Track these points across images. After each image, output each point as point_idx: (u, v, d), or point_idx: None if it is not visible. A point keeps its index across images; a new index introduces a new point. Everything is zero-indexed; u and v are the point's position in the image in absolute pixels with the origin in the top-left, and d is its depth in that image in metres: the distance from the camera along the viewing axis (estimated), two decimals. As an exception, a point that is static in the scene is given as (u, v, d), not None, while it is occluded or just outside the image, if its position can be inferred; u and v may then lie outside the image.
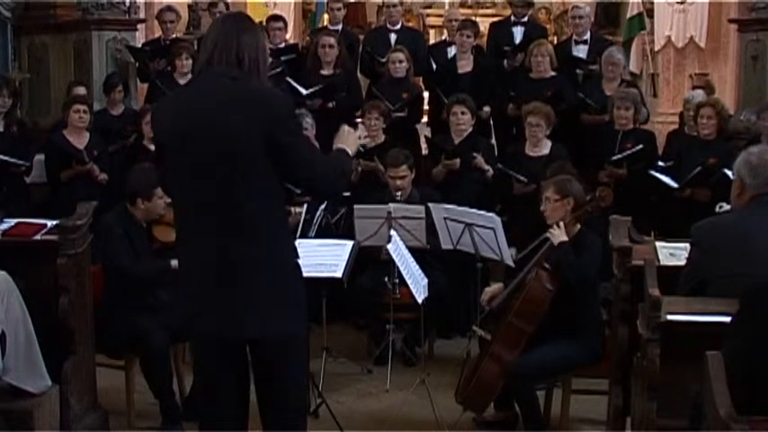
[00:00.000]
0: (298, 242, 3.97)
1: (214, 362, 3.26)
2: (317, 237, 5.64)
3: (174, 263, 4.84)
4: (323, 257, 5.02)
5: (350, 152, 3.46)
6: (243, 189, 3.12)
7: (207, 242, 3.16)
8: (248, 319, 3.17)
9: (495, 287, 5.09)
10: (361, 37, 8.81)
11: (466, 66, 7.73)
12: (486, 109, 7.57)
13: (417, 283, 5.29)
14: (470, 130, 6.81)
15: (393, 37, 8.19)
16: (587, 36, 8.07)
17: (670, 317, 3.68)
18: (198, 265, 3.20)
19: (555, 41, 10.24)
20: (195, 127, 3.13)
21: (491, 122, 7.95)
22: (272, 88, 3.22)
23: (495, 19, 9.85)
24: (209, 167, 3.12)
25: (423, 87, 8.22)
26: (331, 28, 8.38)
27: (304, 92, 7.21)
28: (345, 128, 3.57)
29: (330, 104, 7.42)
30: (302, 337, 3.36)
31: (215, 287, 3.15)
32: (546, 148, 6.59)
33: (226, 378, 3.27)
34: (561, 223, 4.78)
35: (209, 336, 3.22)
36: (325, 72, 7.55)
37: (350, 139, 3.51)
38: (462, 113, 6.73)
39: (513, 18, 8.35)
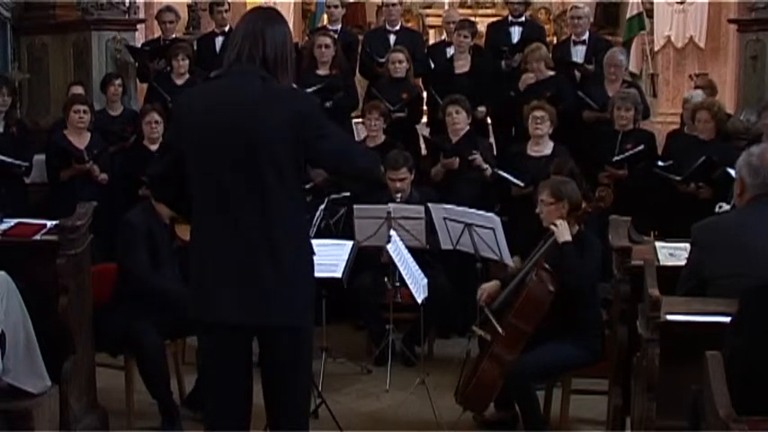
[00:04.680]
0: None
1: (223, 350, 3.28)
2: (316, 237, 5.63)
3: None
4: (322, 257, 5.00)
5: None
6: (267, 185, 3.17)
7: (227, 234, 3.20)
8: (268, 306, 3.20)
9: (491, 284, 5.08)
10: (361, 37, 8.81)
11: (463, 66, 7.73)
12: (482, 109, 7.56)
13: (417, 284, 5.29)
14: (467, 128, 6.82)
15: (392, 38, 8.19)
16: (586, 36, 8.07)
17: (670, 317, 3.67)
18: (216, 255, 3.23)
19: (554, 42, 10.24)
20: (225, 123, 3.19)
21: (489, 123, 7.96)
22: (296, 89, 3.30)
23: (495, 19, 9.84)
24: (235, 163, 3.17)
25: (422, 87, 8.22)
26: (330, 28, 8.38)
27: (304, 91, 7.22)
28: None
29: (327, 104, 7.41)
30: (311, 331, 3.41)
31: (235, 275, 3.19)
32: (548, 148, 6.59)
33: (232, 368, 3.29)
34: (565, 222, 4.77)
35: (222, 322, 3.23)
36: (321, 72, 7.54)
37: None
38: (457, 113, 6.74)
39: (510, 18, 8.35)
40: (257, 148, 3.16)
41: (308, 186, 3.66)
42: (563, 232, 4.73)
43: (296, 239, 3.27)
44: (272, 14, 3.40)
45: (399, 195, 6.07)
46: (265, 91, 3.21)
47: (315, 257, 3.39)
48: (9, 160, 6.74)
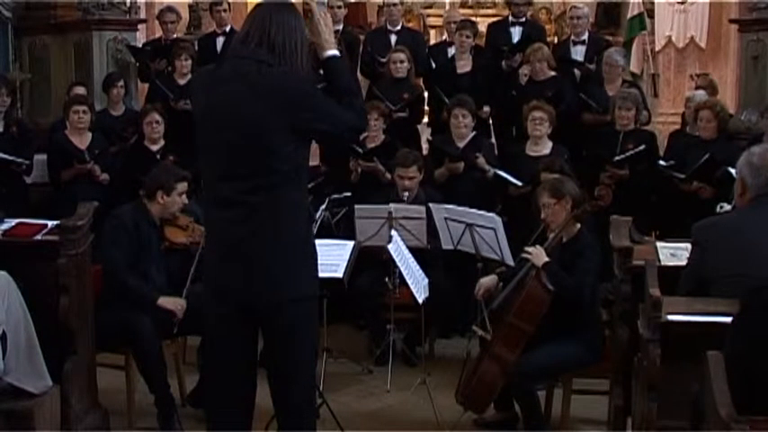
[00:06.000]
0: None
1: (226, 332, 3.34)
2: (317, 237, 5.62)
3: (161, 300, 4.90)
4: (323, 257, 4.98)
5: (335, 51, 3.44)
6: (265, 168, 3.22)
7: (229, 213, 3.27)
8: (265, 284, 3.26)
9: (488, 279, 5.07)
10: (362, 37, 8.81)
11: (465, 66, 7.73)
12: (486, 109, 7.57)
13: (418, 284, 5.29)
14: (473, 133, 6.82)
15: (393, 38, 8.19)
16: (585, 36, 8.08)
17: (671, 317, 3.67)
18: (219, 233, 3.34)
19: (555, 42, 10.24)
20: (219, 106, 3.27)
21: (490, 122, 7.96)
22: (290, 73, 3.28)
23: (496, 19, 9.84)
24: (233, 146, 3.24)
25: (423, 88, 8.22)
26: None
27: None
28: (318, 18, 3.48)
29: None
30: (315, 306, 3.44)
31: (235, 254, 3.27)
32: (547, 148, 6.59)
33: (236, 352, 3.35)
34: (538, 248, 4.76)
35: (226, 298, 3.32)
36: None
37: (322, 32, 3.43)
38: (463, 116, 6.74)
39: (511, 18, 8.35)
40: (253, 134, 3.20)
41: (309, 186, 3.64)
42: (539, 256, 4.71)
43: (295, 221, 3.31)
44: (284, 3, 3.43)
45: (407, 194, 6.08)
46: (261, 77, 3.23)
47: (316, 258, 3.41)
48: (9, 158, 6.74)
